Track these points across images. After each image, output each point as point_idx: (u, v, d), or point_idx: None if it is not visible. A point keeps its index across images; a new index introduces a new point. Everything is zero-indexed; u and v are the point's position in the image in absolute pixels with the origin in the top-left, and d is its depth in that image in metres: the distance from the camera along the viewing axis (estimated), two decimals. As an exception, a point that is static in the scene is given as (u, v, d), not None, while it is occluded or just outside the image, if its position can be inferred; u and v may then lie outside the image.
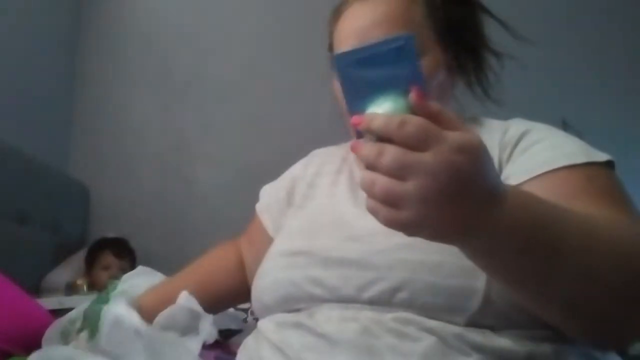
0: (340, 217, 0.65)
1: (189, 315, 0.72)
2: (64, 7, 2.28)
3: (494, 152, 0.61)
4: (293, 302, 0.59)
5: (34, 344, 0.87)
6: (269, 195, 0.85)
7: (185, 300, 0.73)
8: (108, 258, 1.81)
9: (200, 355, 0.68)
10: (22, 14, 1.95)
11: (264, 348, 0.57)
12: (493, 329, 0.50)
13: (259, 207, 0.85)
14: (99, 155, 2.22)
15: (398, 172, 0.37)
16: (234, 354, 0.80)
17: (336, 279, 0.55)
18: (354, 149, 0.41)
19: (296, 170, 0.83)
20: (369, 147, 0.38)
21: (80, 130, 2.27)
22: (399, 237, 0.43)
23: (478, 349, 0.48)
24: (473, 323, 0.50)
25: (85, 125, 2.27)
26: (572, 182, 0.55)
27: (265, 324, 0.60)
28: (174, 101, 2.21)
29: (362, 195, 0.51)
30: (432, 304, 0.50)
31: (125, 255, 1.84)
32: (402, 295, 0.51)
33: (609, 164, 0.58)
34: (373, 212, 0.39)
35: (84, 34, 2.34)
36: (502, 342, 0.48)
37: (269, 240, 0.75)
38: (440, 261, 0.51)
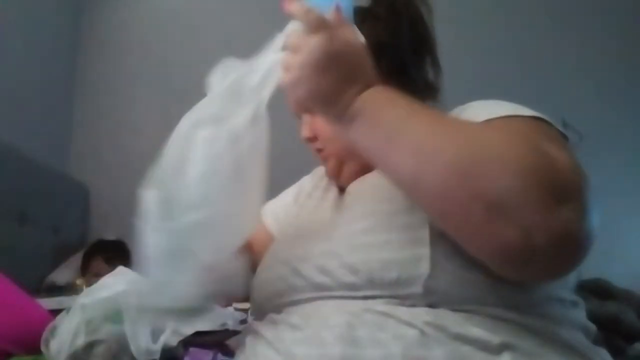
0: (313, 215, 0.76)
1: None
2: (64, 8, 2.28)
3: None
4: (279, 297, 0.63)
5: (34, 344, 0.88)
6: (273, 203, 0.91)
7: None
8: (99, 265, 1.80)
9: (199, 354, 0.69)
10: (23, 15, 1.96)
11: (259, 344, 0.60)
12: (458, 300, 0.52)
13: (262, 214, 0.90)
14: (99, 155, 2.22)
15: (294, 49, 0.55)
16: (233, 353, 0.80)
17: (311, 270, 0.60)
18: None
19: (303, 182, 0.91)
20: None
21: (80, 130, 2.27)
22: (358, 226, 0.59)
23: (455, 337, 0.50)
24: (431, 291, 0.52)
25: (85, 125, 2.27)
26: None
27: (258, 324, 0.65)
28: (174, 101, 2.20)
29: (345, 205, 0.69)
30: (389, 279, 0.54)
31: (117, 261, 1.83)
32: (362, 276, 0.56)
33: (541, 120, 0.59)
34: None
35: (84, 34, 2.35)
36: (476, 330, 0.50)
37: (270, 240, 0.80)
38: (389, 238, 0.56)
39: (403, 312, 0.53)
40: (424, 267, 0.53)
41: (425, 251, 0.53)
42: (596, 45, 2.17)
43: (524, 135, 0.52)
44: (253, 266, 0.84)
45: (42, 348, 0.86)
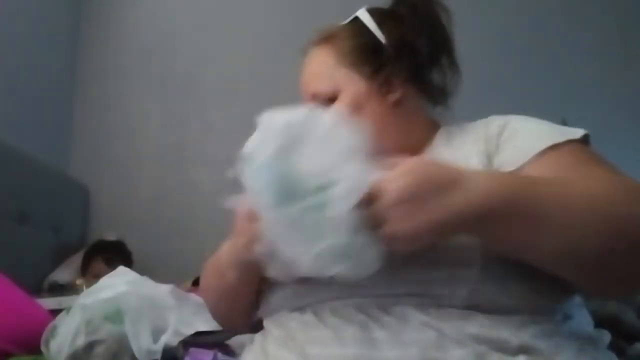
0: None
1: None
2: (64, 7, 2.28)
3: (480, 146, 0.66)
4: (299, 299, 0.61)
5: (34, 344, 0.88)
6: None
7: None
8: (99, 266, 1.80)
9: (199, 354, 0.69)
10: (22, 14, 1.96)
11: (269, 343, 0.59)
12: (495, 305, 0.52)
13: None
14: (99, 155, 2.22)
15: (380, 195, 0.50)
16: (233, 353, 0.80)
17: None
18: None
19: None
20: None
21: (80, 130, 2.27)
22: None
23: (474, 339, 0.50)
24: (474, 294, 0.52)
25: (85, 125, 2.27)
26: (560, 161, 0.59)
27: (271, 323, 0.63)
28: (174, 101, 2.21)
29: None
30: (437, 276, 0.54)
31: (117, 262, 1.83)
32: (405, 273, 0.55)
33: (583, 138, 0.64)
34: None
35: (84, 34, 2.35)
36: (498, 332, 0.50)
37: None
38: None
39: (428, 313, 0.52)
40: (474, 271, 0.53)
41: (476, 256, 0.54)
42: (597, 45, 2.17)
43: (614, 174, 0.57)
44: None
45: (42, 348, 0.86)
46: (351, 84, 0.74)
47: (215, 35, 2.25)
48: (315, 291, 0.60)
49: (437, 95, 0.78)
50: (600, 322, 0.68)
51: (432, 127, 0.77)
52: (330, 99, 0.74)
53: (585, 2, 2.21)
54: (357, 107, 0.72)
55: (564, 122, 0.67)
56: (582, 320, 0.59)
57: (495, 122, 0.69)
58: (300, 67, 0.81)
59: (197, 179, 2.11)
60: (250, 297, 0.70)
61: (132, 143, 2.20)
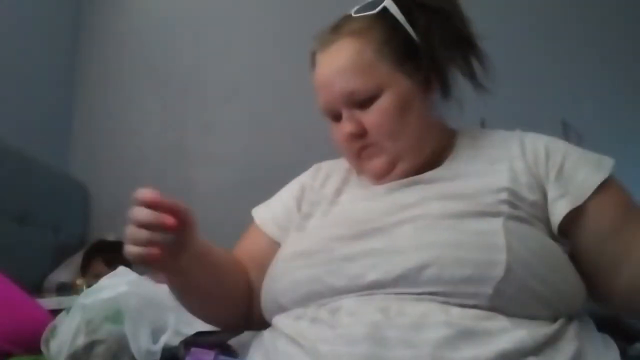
0: (357, 214, 0.69)
1: None
2: (64, 8, 2.28)
3: (518, 163, 0.67)
4: (314, 298, 0.61)
5: (34, 344, 0.88)
6: (270, 210, 0.85)
7: None
8: (99, 266, 1.80)
9: (200, 354, 0.69)
10: (22, 15, 1.95)
11: (279, 340, 0.59)
12: (517, 306, 0.54)
13: (259, 221, 0.84)
14: (99, 155, 2.22)
15: None
16: (234, 353, 0.80)
17: (361, 268, 0.58)
18: None
19: (304, 178, 0.85)
20: None
21: (80, 130, 2.27)
22: (422, 224, 0.59)
23: (489, 340, 0.50)
24: (499, 294, 0.53)
25: (85, 125, 2.27)
26: (611, 200, 0.66)
27: (281, 320, 0.63)
28: (174, 101, 2.20)
29: (377, 191, 0.68)
30: (459, 276, 0.54)
31: (117, 262, 1.83)
32: (430, 271, 0.55)
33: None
34: None
35: (83, 34, 2.34)
36: (517, 333, 0.51)
37: (275, 248, 0.75)
38: (462, 239, 0.56)
39: (450, 313, 0.53)
40: (499, 270, 0.54)
41: (501, 257, 0.54)
42: (598, 44, 2.17)
43: None
44: (255, 280, 0.79)
45: (42, 348, 0.87)
46: (397, 82, 0.70)
47: (215, 35, 2.24)
48: (331, 289, 0.60)
49: (452, 95, 0.76)
50: (600, 322, 0.68)
51: (450, 132, 0.76)
52: (369, 99, 0.70)
53: (586, 1, 2.21)
54: (404, 109, 0.69)
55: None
56: (583, 320, 0.60)
57: (530, 140, 0.70)
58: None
59: (196, 179, 2.11)
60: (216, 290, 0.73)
61: (132, 143, 2.20)
